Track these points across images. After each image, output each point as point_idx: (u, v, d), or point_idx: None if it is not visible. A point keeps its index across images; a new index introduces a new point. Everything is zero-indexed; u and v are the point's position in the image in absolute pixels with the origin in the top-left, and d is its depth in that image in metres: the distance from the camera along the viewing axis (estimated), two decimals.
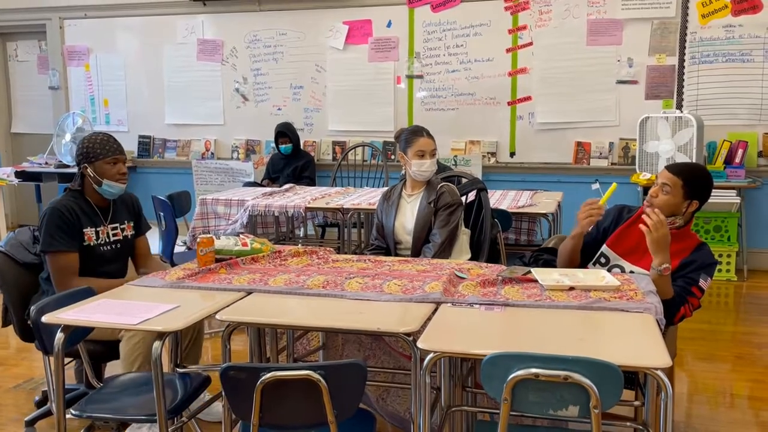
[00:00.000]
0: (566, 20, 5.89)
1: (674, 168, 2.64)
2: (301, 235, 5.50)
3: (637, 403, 2.30)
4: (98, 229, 2.96)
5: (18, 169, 6.75)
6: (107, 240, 2.99)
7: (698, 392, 3.45)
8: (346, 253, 4.10)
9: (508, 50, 6.07)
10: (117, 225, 3.04)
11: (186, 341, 2.94)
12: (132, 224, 3.12)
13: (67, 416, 2.21)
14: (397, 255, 3.29)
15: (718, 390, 3.48)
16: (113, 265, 3.01)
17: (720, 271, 5.39)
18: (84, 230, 2.90)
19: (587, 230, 2.68)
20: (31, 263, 2.96)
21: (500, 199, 4.42)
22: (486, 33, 6.10)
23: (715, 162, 5.48)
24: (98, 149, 2.90)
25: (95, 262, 2.93)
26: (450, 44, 6.21)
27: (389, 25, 6.35)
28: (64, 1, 7.22)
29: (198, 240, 2.68)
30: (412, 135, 3.25)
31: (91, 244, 2.92)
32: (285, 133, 5.91)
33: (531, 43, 6.00)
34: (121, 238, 3.05)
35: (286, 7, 6.60)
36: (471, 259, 3.29)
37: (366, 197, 4.54)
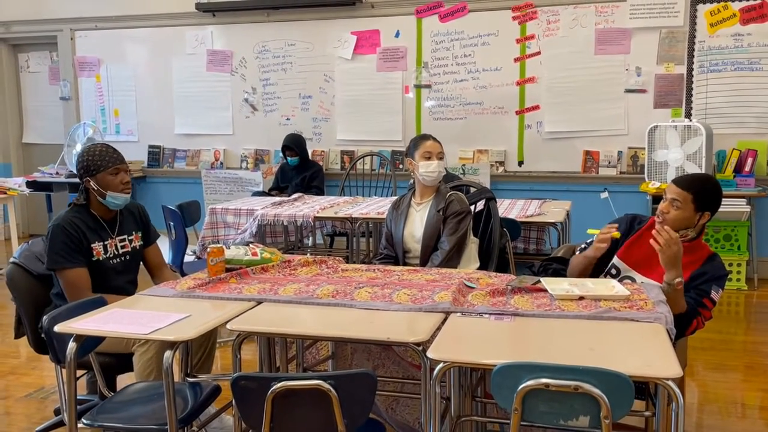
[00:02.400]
0: (574, 29, 5.90)
1: (683, 182, 2.60)
2: (310, 245, 5.51)
3: (647, 413, 2.30)
4: (106, 242, 2.94)
5: (29, 179, 6.80)
6: (116, 252, 2.97)
7: (709, 402, 3.43)
8: (354, 263, 4.11)
9: (516, 59, 6.08)
10: (125, 237, 3.02)
11: (200, 352, 2.94)
12: (140, 234, 3.10)
13: (79, 426, 2.22)
14: (405, 263, 3.30)
15: (729, 400, 3.46)
16: (124, 277, 3.00)
17: (730, 280, 5.36)
18: (92, 245, 2.88)
19: (602, 253, 2.67)
20: (45, 274, 2.94)
21: (509, 208, 4.42)
22: (494, 42, 6.12)
23: (724, 171, 5.46)
24: (98, 161, 2.88)
25: (105, 276, 2.92)
26: (458, 54, 6.23)
27: (397, 35, 6.38)
28: (75, 13, 7.29)
29: (208, 250, 2.69)
30: (419, 139, 3.30)
31: (100, 258, 2.91)
32: (290, 146, 5.93)
33: (539, 53, 6.01)
34: (129, 249, 3.03)
35: (295, 17, 6.64)
36: (480, 268, 3.30)
37: (374, 206, 4.55)
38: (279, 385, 1.73)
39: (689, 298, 2.49)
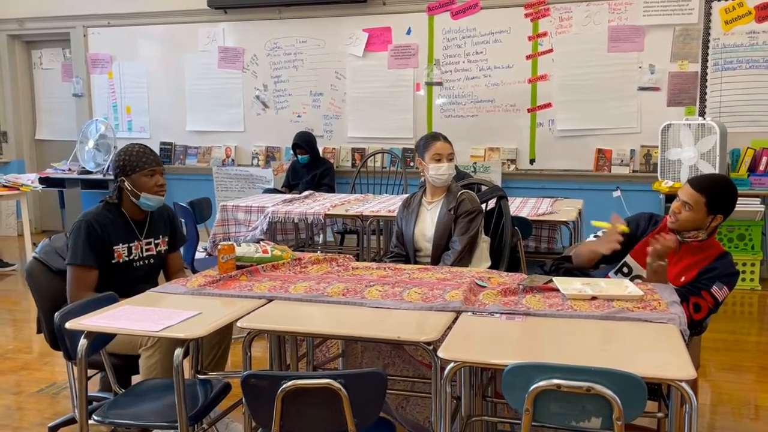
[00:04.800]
0: (587, 27, 5.86)
1: (696, 184, 2.57)
2: (320, 242, 5.51)
3: (660, 414, 2.28)
4: (131, 244, 2.92)
5: (42, 176, 6.84)
6: (141, 255, 2.95)
7: (722, 403, 3.40)
8: (365, 260, 4.11)
9: (528, 57, 6.05)
10: (151, 240, 3.00)
11: (215, 351, 2.93)
12: (167, 239, 3.08)
13: (90, 422, 2.22)
14: (416, 262, 3.28)
15: (742, 401, 3.42)
16: (145, 280, 2.95)
17: (744, 280, 5.31)
18: (114, 248, 2.86)
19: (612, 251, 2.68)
20: (65, 270, 2.89)
21: (520, 206, 4.40)
22: (506, 40, 6.08)
23: (738, 170, 5.41)
24: (135, 161, 2.86)
25: (127, 277, 2.89)
26: (469, 51, 6.20)
27: (409, 32, 6.36)
28: (88, 10, 7.32)
29: (219, 247, 2.70)
30: (428, 140, 3.26)
31: (121, 261, 2.88)
32: (300, 144, 5.94)
33: (551, 50, 5.98)
34: (154, 253, 3.01)
35: (307, 14, 6.64)
36: (491, 267, 3.28)
37: (385, 204, 4.54)
38: (289, 383, 1.73)
39: (684, 288, 2.49)
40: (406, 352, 2.84)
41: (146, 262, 2.98)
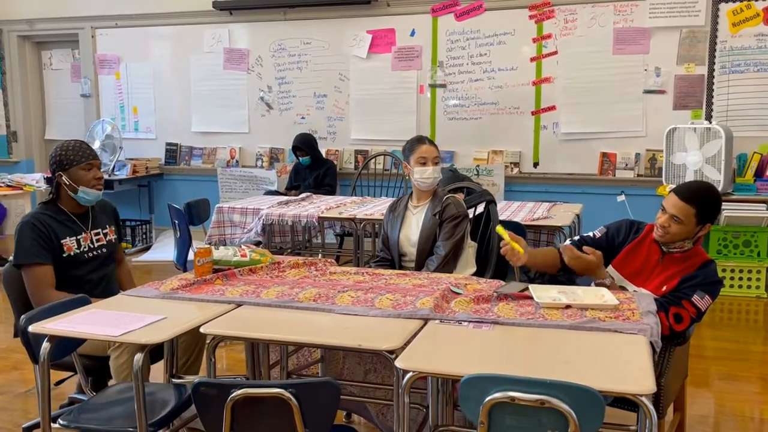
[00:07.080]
0: (592, 29, 5.77)
1: (684, 195, 2.47)
2: (320, 244, 5.49)
3: (633, 427, 2.21)
4: (79, 237, 2.93)
5: (47, 175, 6.86)
6: (91, 246, 2.97)
7: (723, 414, 3.31)
8: (359, 263, 4.07)
9: (532, 59, 5.97)
10: (99, 230, 3.02)
11: (188, 354, 2.91)
12: (114, 229, 3.11)
13: (57, 426, 2.21)
14: (402, 267, 3.24)
15: (746, 414, 3.33)
16: (101, 271, 2.98)
17: (749, 287, 5.20)
18: (62, 241, 2.87)
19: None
20: None
21: (516, 210, 4.34)
22: (510, 42, 6.02)
23: (745, 175, 5.29)
24: (72, 156, 2.89)
25: (81, 271, 2.91)
26: (473, 53, 6.14)
27: (413, 34, 6.31)
28: (96, 11, 7.36)
29: (195, 250, 2.67)
30: (414, 143, 3.23)
31: (72, 254, 2.89)
32: (300, 146, 5.92)
33: (556, 52, 5.90)
34: (105, 242, 3.03)
35: (311, 16, 6.62)
36: (477, 272, 3.23)
37: (380, 207, 4.50)
38: (238, 392, 1.69)
39: (665, 298, 2.42)
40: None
41: (99, 252, 2.99)
